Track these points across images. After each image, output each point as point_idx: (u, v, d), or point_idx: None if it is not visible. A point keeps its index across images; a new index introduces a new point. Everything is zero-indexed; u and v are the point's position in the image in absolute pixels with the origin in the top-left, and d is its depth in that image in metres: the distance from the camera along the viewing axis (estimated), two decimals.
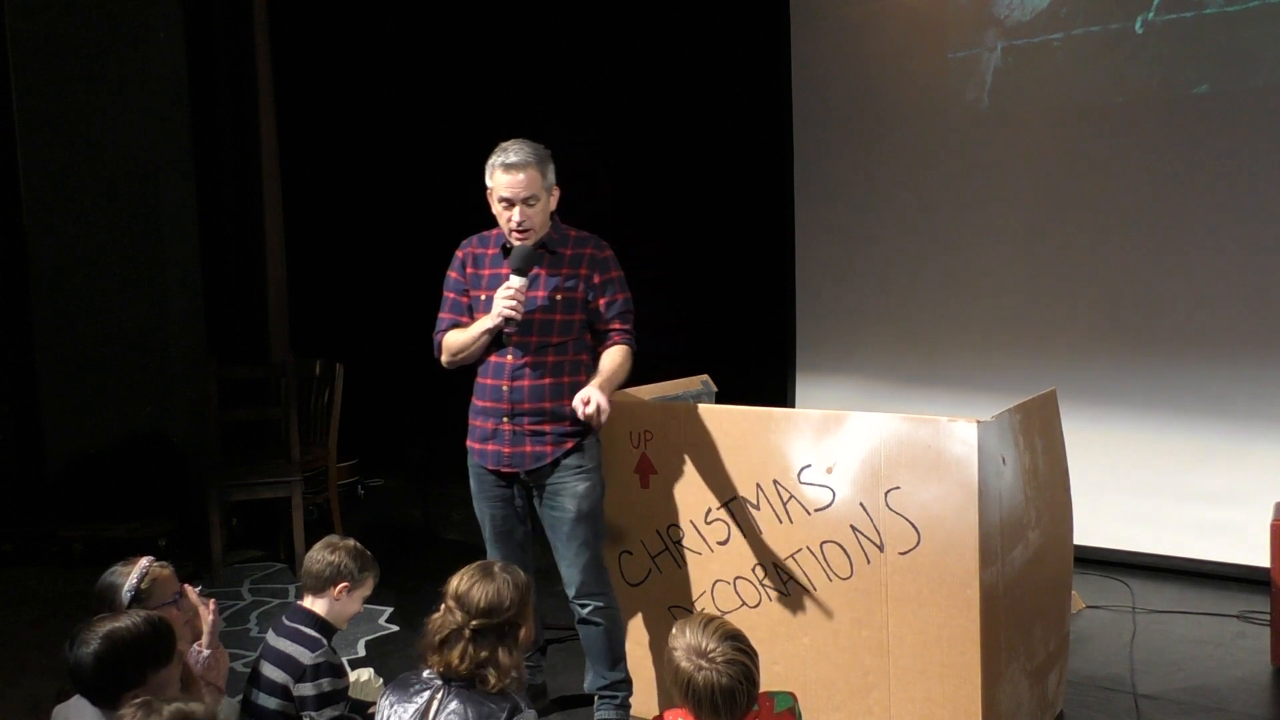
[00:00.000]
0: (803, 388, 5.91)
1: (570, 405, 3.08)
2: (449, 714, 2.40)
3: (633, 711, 3.44)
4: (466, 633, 2.43)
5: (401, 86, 7.24)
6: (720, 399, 3.84)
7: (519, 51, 6.88)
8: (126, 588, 2.74)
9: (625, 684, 3.35)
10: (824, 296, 5.82)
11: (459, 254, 3.32)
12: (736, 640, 2.36)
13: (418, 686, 2.47)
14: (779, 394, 5.91)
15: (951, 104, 5.31)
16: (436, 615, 2.48)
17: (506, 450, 3.20)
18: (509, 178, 3.08)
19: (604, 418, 3.01)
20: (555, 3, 6.68)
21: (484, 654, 2.42)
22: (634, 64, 6.45)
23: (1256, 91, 4.55)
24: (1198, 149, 4.69)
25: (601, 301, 3.21)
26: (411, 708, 2.43)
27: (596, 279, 3.21)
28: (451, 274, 3.32)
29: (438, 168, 7.05)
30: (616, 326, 3.23)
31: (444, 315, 3.30)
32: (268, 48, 6.98)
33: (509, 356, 3.17)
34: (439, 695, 2.43)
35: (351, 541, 3.13)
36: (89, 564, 5.17)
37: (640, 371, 3.75)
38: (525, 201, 3.09)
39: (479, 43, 7.04)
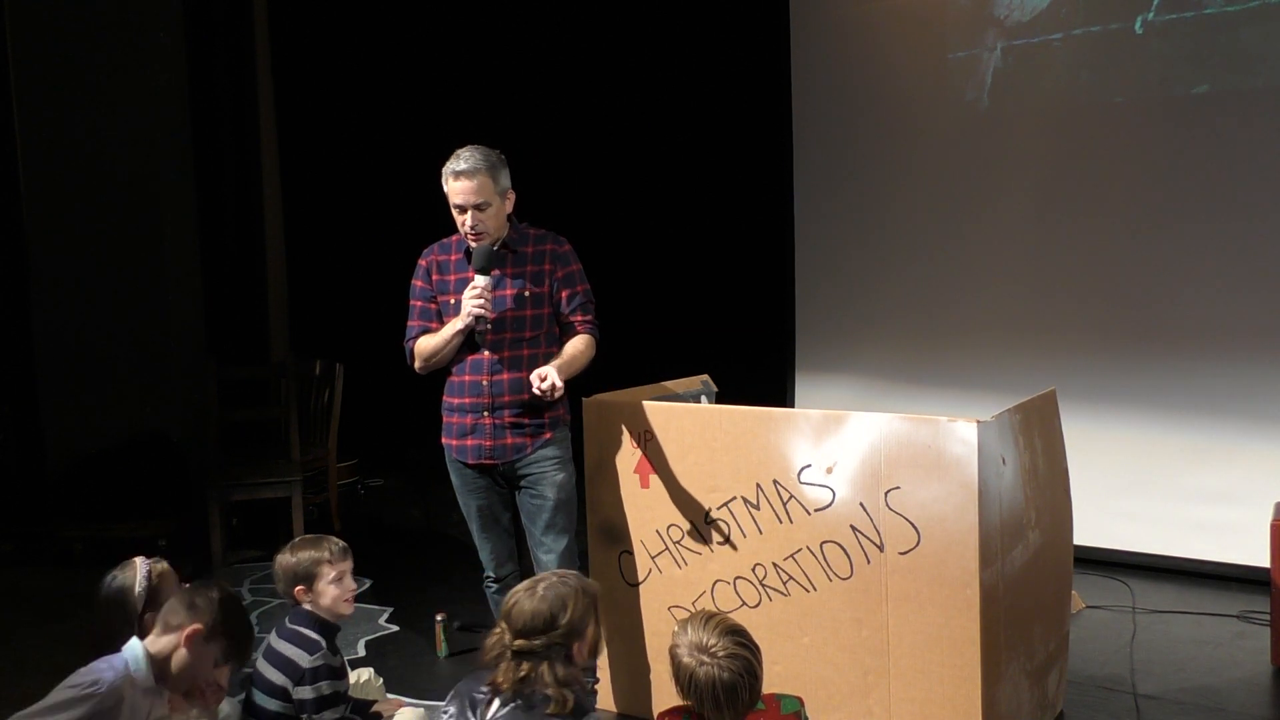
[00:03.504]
0: (803, 388, 5.91)
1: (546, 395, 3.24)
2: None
3: (633, 712, 3.45)
4: (508, 653, 2.40)
5: (401, 87, 7.24)
6: (720, 399, 3.85)
7: (519, 51, 6.88)
8: (138, 589, 2.75)
9: (592, 671, 3.40)
10: (824, 296, 5.82)
11: (422, 263, 3.42)
12: (738, 635, 2.37)
13: (485, 691, 2.44)
14: (779, 394, 5.91)
15: (951, 104, 5.31)
16: (496, 630, 2.47)
17: (488, 443, 3.29)
18: (459, 184, 3.19)
19: (557, 394, 3.14)
20: (556, 2, 6.68)
21: (525, 672, 2.37)
22: (634, 64, 6.45)
23: (1256, 91, 4.54)
24: (1198, 149, 4.68)
25: (564, 294, 3.33)
26: (479, 701, 2.43)
27: (560, 273, 3.33)
28: (416, 283, 3.41)
29: (438, 167, 7.04)
30: (579, 318, 3.35)
31: (413, 323, 3.39)
32: (268, 48, 6.98)
33: (486, 353, 3.26)
34: (494, 704, 2.40)
35: (294, 543, 3.12)
36: (89, 564, 5.17)
37: (640, 371, 3.76)
38: (476, 207, 3.20)
39: (479, 42, 7.04)
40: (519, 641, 2.39)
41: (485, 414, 3.27)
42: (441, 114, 6.92)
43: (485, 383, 3.26)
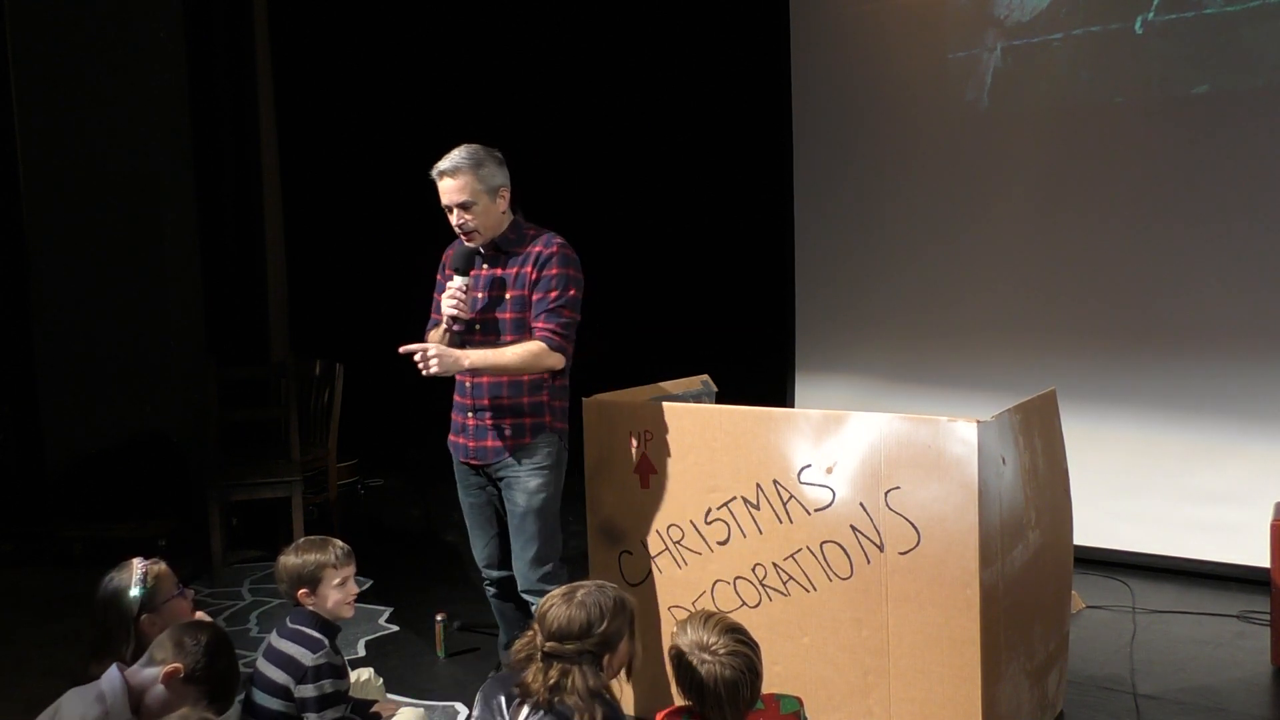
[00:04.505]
0: (803, 388, 5.91)
1: (528, 400, 3.21)
2: None
3: (633, 711, 3.45)
4: (538, 655, 2.40)
5: (401, 87, 7.23)
6: (720, 399, 3.85)
7: (519, 50, 6.88)
8: (133, 591, 2.75)
9: None
10: (824, 296, 5.82)
11: (443, 257, 3.44)
12: (737, 633, 2.39)
13: (513, 693, 2.44)
14: (779, 394, 5.91)
15: (951, 104, 5.31)
16: (529, 632, 2.47)
17: (471, 444, 3.29)
18: (443, 184, 3.17)
19: (431, 367, 3.04)
20: (556, 2, 6.68)
21: (555, 678, 2.35)
22: (634, 64, 6.45)
23: (1256, 91, 4.55)
24: (1198, 149, 4.69)
25: (535, 298, 3.22)
26: (507, 702, 2.43)
27: (535, 275, 3.21)
28: (438, 276, 3.44)
29: None
30: (540, 325, 3.19)
31: (432, 316, 3.42)
32: (268, 48, 6.98)
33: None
34: (525, 709, 2.39)
35: (298, 544, 3.10)
36: (89, 564, 5.17)
37: (640, 371, 3.75)
38: (461, 206, 3.17)
39: (479, 42, 7.04)
40: (550, 644, 2.38)
41: (470, 414, 3.28)
42: (441, 114, 6.92)
43: (469, 384, 3.27)
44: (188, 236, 6.37)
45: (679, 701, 2.43)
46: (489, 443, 3.26)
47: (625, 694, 3.40)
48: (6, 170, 6.10)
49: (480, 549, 3.45)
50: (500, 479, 3.30)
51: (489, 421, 3.25)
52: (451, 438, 3.37)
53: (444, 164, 3.17)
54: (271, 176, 6.97)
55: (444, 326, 3.23)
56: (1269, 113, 4.51)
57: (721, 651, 2.32)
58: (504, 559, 3.42)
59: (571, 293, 3.23)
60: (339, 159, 7.29)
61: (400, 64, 7.24)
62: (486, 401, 3.25)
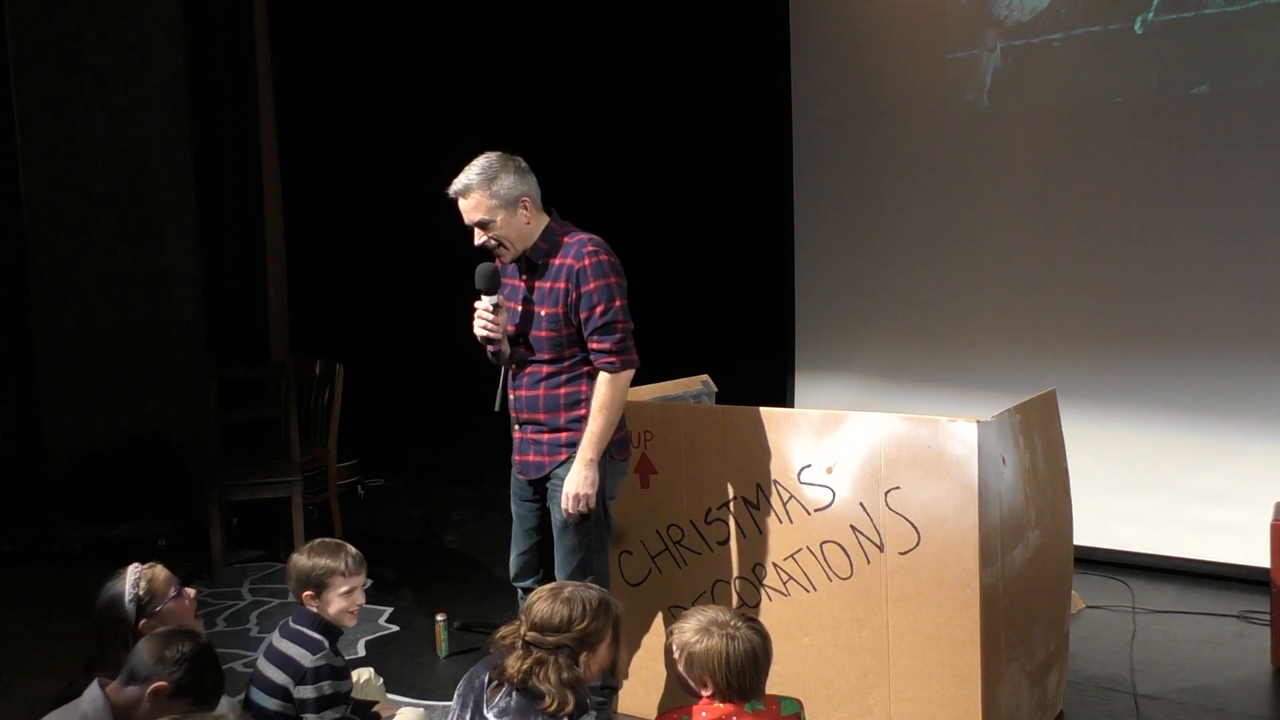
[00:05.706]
0: (802, 387, 5.91)
1: (564, 417, 3.12)
2: (501, 706, 2.47)
3: (633, 711, 3.45)
4: (519, 642, 2.50)
5: (402, 86, 7.24)
6: (720, 399, 3.85)
7: (519, 50, 6.88)
8: (128, 599, 2.74)
9: (610, 694, 3.31)
10: (824, 296, 5.82)
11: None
12: (732, 612, 2.52)
13: (490, 679, 2.54)
14: (779, 394, 5.91)
15: (951, 104, 5.31)
16: (515, 622, 2.57)
17: (517, 458, 3.26)
18: (459, 206, 3.09)
19: (583, 504, 3.04)
20: (556, 4, 6.68)
21: (531, 665, 2.46)
22: (634, 64, 6.45)
23: (1256, 91, 4.55)
24: (1197, 149, 4.69)
25: (582, 317, 3.09)
26: (484, 687, 2.53)
27: (573, 295, 3.07)
28: None
29: (438, 167, 7.04)
30: (594, 347, 3.07)
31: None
32: (268, 48, 6.98)
33: (514, 366, 3.22)
34: (502, 690, 2.49)
35: (313, 545, 3.10)
36: (89, 564, 5.19)
37: (640, 371, 3.75)
38: (479, 225, 3.07)
39: (479, 42, 7.04)
40: (531, 634, 2.48)
41: (516, 428, 3.24)
42: (441, 114, 6.93)
43: (512, 397, 3.22)
44: (188, 236, 6.36)
45: (705, 694, 2.43)
46: (531, 457, 3.21)
47: (649, 697, 3.41)
48: (6, 170, 6.10)
49: (513, 558, 3.37)
50: (546, 491, 3.24)
51: (530, 436, 3.20)
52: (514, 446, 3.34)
53: (455, 185, 3.07)
54: (271, 176, 6.96)
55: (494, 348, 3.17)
56: (1269, 113, 4.51)
57: (740, 624, 2.42)
58: (532, 572, 3.33)
59: (617, 303, 3.08)
60: (339, 159, 7.29)
61: (400, 65, 7.24)
62: (525, 416, 3.19)
